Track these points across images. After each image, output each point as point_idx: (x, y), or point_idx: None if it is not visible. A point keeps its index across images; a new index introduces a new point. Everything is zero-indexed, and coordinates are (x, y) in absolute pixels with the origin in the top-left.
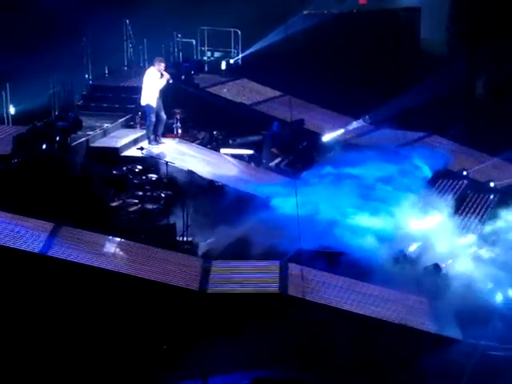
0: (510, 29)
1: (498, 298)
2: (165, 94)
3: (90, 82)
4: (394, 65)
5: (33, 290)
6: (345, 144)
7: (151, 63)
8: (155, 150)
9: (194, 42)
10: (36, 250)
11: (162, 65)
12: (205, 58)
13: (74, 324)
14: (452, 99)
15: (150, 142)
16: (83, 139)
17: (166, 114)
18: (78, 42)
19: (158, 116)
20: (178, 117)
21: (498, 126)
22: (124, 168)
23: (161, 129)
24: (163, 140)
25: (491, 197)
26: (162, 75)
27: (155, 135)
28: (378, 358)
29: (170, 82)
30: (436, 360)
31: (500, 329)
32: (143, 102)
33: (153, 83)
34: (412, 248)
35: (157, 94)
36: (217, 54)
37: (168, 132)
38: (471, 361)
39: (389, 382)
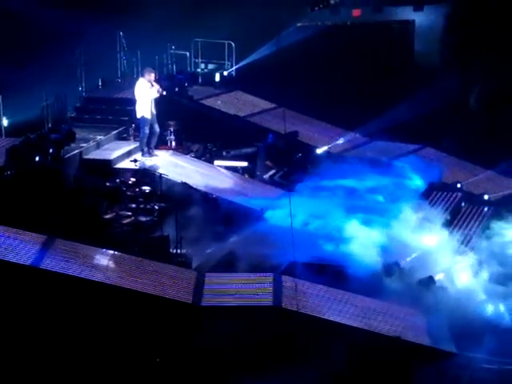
0: (503, 41)
1: (493, 311)
2: (158, 106)
3: (84, 93)
4: (387, 77)
5: (26, 302)
6: (339, 156)
7: (140, 74)
8: (148, 162)
9: (187, 53)
10: (29, 263)
11: (152, 75)
12: (198, 70)
13: (66, 337)
14: (445, 111)
15: (143, 154)
16: (76, 151)
17: (159, 126)
18: (72, 53)
19: (151, 128)
20: (172, 129)
21: (491, 138)
22: (117, 180)
23: (154, 141)
24: (157, 152)
25: (485, 209)
26: (152, 85)
27: (148, 147)
28: (372, 370)
29: (164, 93)
30: (430, 373)
31: (494, 342)
32: (138, 115)
33: (144, 94)
34: (406, 260)
35: (150, 106)
36: (211, 66)
37: (162, 144)
38: (466, 374)
39: None
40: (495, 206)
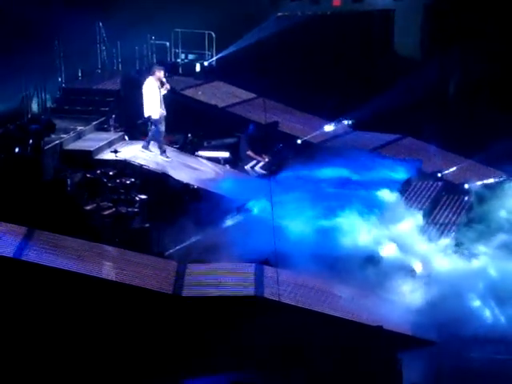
0: (482, 31)
1: (473, 299)
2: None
3: (63, 84)
4: (367, 67)
5: (5, 295)
6: (320, 146)
7: (149, 73)
8: (129, 152)
9: (167, 44)
10: (9, 254)
11: (162, 72)
12: (179, 61)
13: (47, 329)
14: (426, 101)
15: (162, 153)
16: (56, 142)
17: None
18: (51, 44)
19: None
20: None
21: (471, 127)
22: (98, 171)
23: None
24: (137, 143)
25: (466, 198)
26: (162, 84)
27: (160, 147)
28: (354, 360)
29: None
30: (412, 362)
31: (475, 330)
32: (146, 114)
33: (153, 93)
34: (387, 250)
35: (159, 105)
36: (191, 57)
37: (143, 135)
38: (447, 362)
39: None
40: (476, 194)
